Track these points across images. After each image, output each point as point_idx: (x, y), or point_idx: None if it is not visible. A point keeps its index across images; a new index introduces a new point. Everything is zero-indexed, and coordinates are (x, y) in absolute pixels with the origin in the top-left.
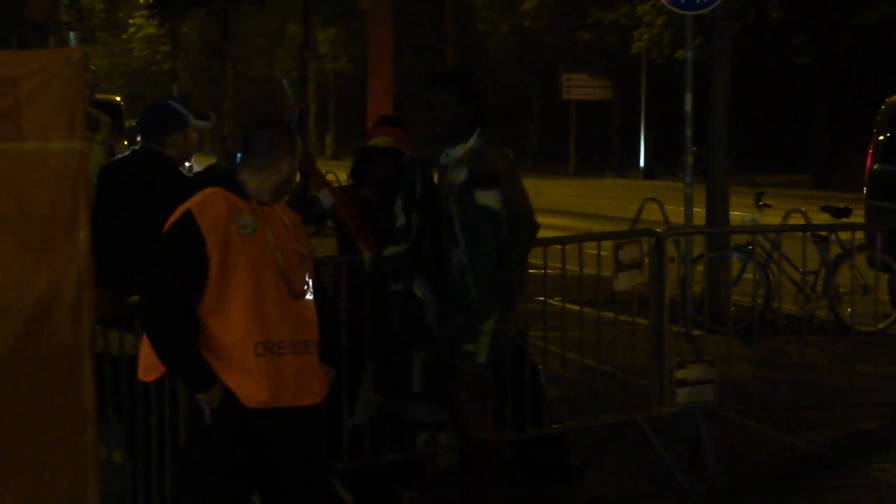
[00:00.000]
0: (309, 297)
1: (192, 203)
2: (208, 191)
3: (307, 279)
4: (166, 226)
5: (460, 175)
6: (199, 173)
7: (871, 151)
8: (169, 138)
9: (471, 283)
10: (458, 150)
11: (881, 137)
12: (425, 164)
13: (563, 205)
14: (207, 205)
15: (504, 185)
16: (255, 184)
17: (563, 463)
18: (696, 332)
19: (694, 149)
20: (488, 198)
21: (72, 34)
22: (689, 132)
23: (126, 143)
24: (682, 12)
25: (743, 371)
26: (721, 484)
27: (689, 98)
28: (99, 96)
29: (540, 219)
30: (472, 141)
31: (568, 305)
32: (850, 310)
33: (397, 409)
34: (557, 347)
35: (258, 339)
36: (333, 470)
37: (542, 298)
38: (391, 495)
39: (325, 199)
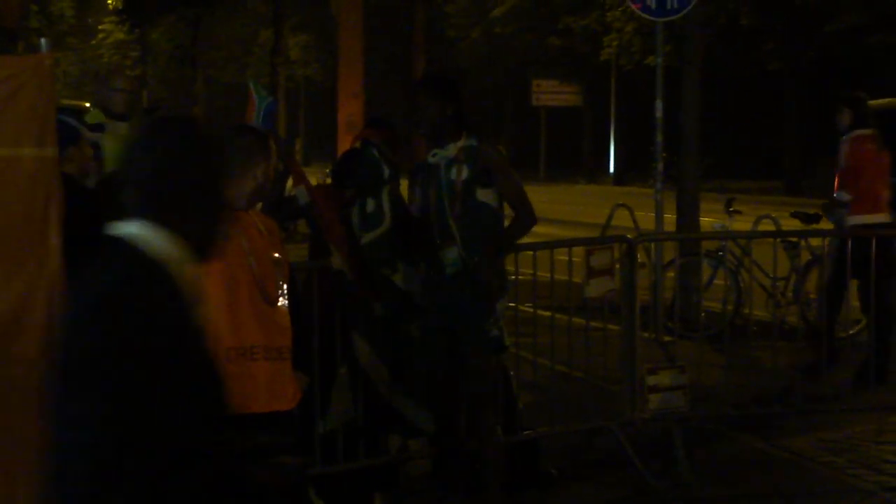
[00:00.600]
0: (283, 303)
1: None
2: None
3: (281, 285)
4: None
5: (461, 173)
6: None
7: None
8: (65, 153)
9: (465, 279)
10: (451, 150)
11: None
12: (385, 151)
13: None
14: None
15: (499, 182)
16: (229, 190)
17: (536, 470)
18: (667, 339)
19: (664, 155)
20: (487, 195)
21: (43, 40)
22: (659, 138)
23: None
24: (653, 18)
25: (714, 377)
26: (694, 489)
27: (659, 104)
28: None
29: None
30: (466, 140)
31: (539, 311)
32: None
33: (397, 412)
34: (529, 353)
35: (230, 344)
36: (307, 476)
37: (514, 304)
38: (364, 501)
39: (302, 195)
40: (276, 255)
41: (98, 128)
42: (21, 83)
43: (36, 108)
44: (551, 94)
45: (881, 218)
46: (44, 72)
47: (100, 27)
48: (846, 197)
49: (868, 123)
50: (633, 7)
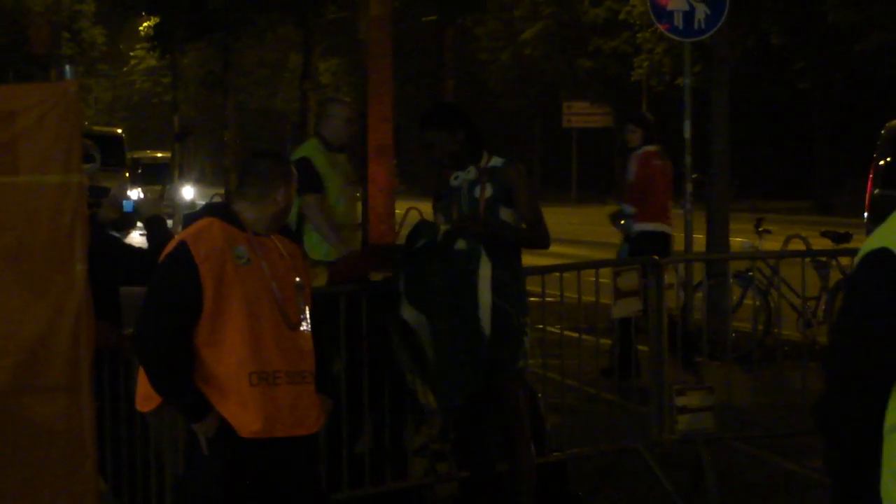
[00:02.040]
0: (305, 327)
1: (186, 233)
2: (203, 221)
3: (304, 309)
4: (161, 256)
5: (485, 191)
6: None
7: (871, 176)
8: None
9: (497, 301)
10: (471, 172)
11: (881, 162)
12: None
13: (565, 233)
14: (202, 235)
15: (518, 202)
16: (250, 214)
17: (564, 491)
18: (696, 359)
19: (694, 175)
20: (509, 214)
21: (68, 67)
22: (688, 159)
23: (127, 175)
24: (681, 39)
25: (744, 398)
26: None
27: (687, 124)
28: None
29: None
30: (489, 160)
31: (567, 332)
32: None
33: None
34: (557, 375)
35: (253, 368)
36: (333, 500)
37: (541, 326)
38: None
39: None
40: (298, 279)
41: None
42: (47, 110)
43: (61, 135)
44: (582, 115)
45: (665, 227)
46: (69, 98)
47: (131, 53)
48: (631, 210)
49: (655, 140)
50: (661, 28)
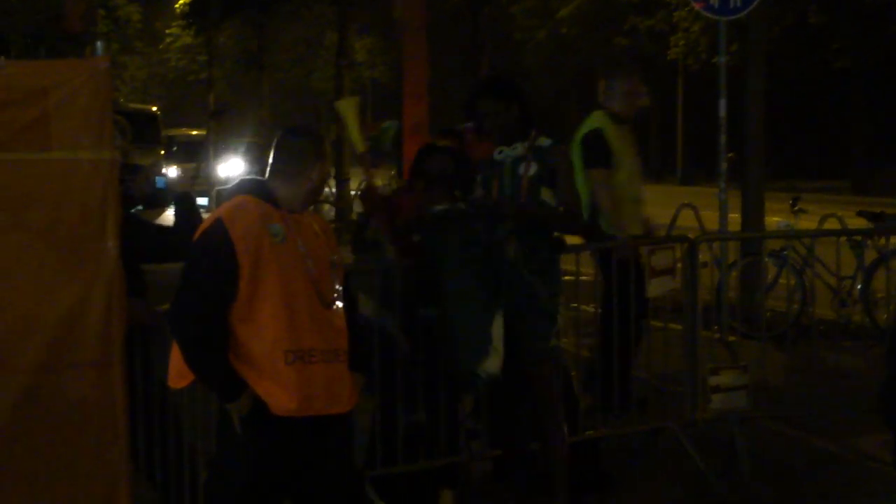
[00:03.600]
0: (339, 305)
1: (222, 211)
2: (239, 198)
3: (337, 287)
4: (197, 234)
5: (529, 169)
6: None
7: None
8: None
9: (527, 276)
10: (518, 149)
11: None
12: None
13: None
14: (238, 213)
15: (559, 184)
16: (285, 192)
17: (597, 471)
18: (730, 338)
19: (730, 154)
20: (549, 195)
21: (99, 43)
22: (723, 138)
23: (162, 152)
24: (716, 17)
25: (778, 377)
26: (756, 490)
27: (722, 103)
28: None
29: None
30: (537, 139)
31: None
32: (885, 315)
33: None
34: (591, 354)
35: (288, 347)
36: (367, 477)
37: (576, 305)
38: (425, 502)
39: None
40: (333, 256)
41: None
42: (78, 86)
43: (93, 111)
44: None
45: None
46: (101, 74)
47: (167, 31)
48: None
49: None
50: (696, 6)
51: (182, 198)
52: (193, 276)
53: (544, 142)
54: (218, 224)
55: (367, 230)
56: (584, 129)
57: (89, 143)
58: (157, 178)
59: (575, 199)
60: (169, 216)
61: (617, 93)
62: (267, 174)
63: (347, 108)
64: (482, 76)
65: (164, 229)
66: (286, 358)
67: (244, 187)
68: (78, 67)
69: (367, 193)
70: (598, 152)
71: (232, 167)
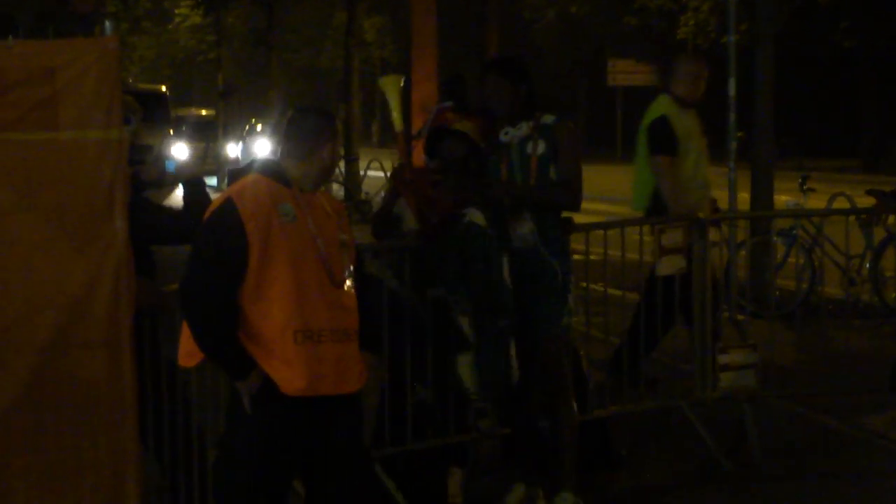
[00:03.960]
0: (349, 284)
1: (232, 190)
2: (250, 177)
3: (348, 267)
4: (207, 213)
5: (537, 148)
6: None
7: None
8: None
9: (542, 252)
10: (524, 128)
11: None
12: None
13: (610, 191)
14: (248, 192)
15: (562, 158)
16: (296, 171)
17: (607, 449)
18: (739, 317)
19: (740, 134)
20: (555, 173)
21: (107, 23)
22: (732, 117)
23: (171, 132)
24: None
25: (787, 356)
26: (765, 469)
27: (732, 83)
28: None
29: (587, 204)
30: (542, 118)
31: (610, 290)
32: (895, 294)
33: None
34: (600, 333)
35: (297, 326)
36: (375, 456)
37: (585, 284)
38: (434, 481)
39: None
40: (344, 236)
41: None
42: (87, 66)
43: (101, 91)
44: (627, 73)
45: None
46: (109, 54)
47: (176, 11)
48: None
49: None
50: None
51: (191, 181)
52: (203, 254)
53: (549, 119)
54: (228, 203)
55: (394, 206)
56: (651, 115)
57: (98, 123)
58: (168, 161)
59: (573, 175)
60: (177, 198)
61: (682, 76)
62: (278, 154)
63: (391, 84)
64: (491, 56)
65: (173, 211)
66: (295, 337)
67: (255, 166)
68: (86, 47)
69: (398, 171)
70: (662, 140)
71: (261, 147)
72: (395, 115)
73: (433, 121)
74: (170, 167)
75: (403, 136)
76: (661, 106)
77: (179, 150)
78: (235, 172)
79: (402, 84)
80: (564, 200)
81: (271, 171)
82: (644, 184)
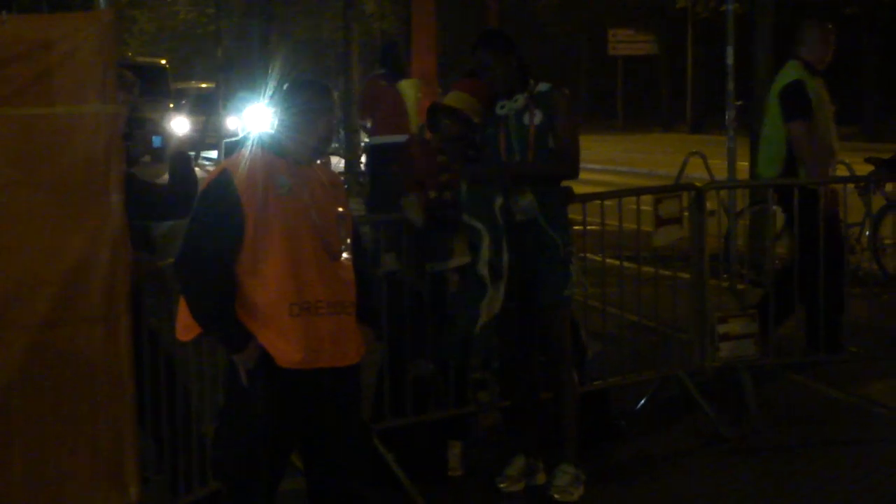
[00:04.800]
0: (346, 257)
1: (228, 162)
2: (245, 150)
3: (345, 240)
4: (203, 185)
5: (534, 118)
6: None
7: None
8: None
9: (543, 224)
10: (519, 100)
11: None
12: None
13: (610, 161)
14: (244, 163)
15: (559, 126)
16: (292, 144)
17: (607, 420)
18: (739, 286)
19: (739, 102)
20: (553, 141)
21: None
22: (730, 86)
23: (172, 105)
24: None
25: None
26: (766, 438)
27: (730, 51)
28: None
29: (587, 175)
30: (537, 87)
31: (608, 260)
32: (894, 262)
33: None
34: (598, 303)
35: (294, 299)
36: (375, 430)
37: (583, 254)
38: (434, 454)
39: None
40: (340, 209)
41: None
42: (82, 39)
43: (96, 65)
44: (628, 43)
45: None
46: (104, 28)
47: None
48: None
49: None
50: None
51: (178, 157)
52: (199, 225)
53: (543, 87)
54: (224, 174)
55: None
56: (782, 80)
57: (93, 97)
58: (154, 137)
59: (570, 142)
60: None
61: (811, 42)
62: (274, 126)
63: (409, 88)
64: (483, 29)
65: (158, 187)
66: (291, 310)
67: (251, 139)
68: (82, 21)
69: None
70: (798, 104)
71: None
72: (412, 117)
73: (365, 88)
74: (157, 143)
75: (416, 138)
76: (793, 70)
77: (180, 124)
78: (231, 145)
79: (418, 88)
80: (563, 170)
81: (267, 143)
82: (774, 149)
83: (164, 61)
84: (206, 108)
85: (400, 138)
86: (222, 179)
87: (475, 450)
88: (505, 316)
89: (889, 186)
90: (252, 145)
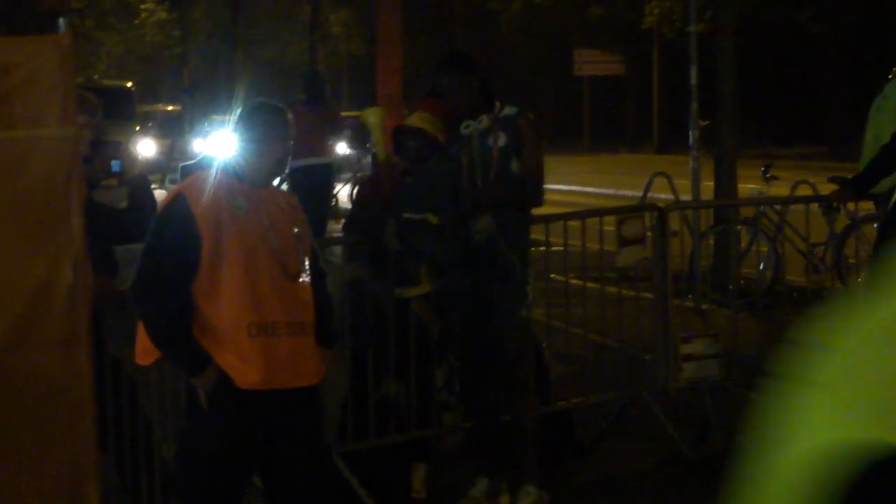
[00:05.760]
0: (305, 278)
1: (184, 184)
2: (202, 172)
3: (303, 261)
4: (159, 207)
5: (498, 140)
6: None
7: None
8: None
9: (502, 247)
10: (484, 121)
11: None
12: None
13: (576, 181)
14: (200, 186)
15: (524, 153)
16: (248, 166)
17: (570, 441)
18: (704, 306)
19: (704, 122)
20: (518, 166)
21: (61, 20)
22: (694, 106)
23: (138, 128)
24: None
25: (751, 345)
26: (728, 459)
27: (694, 71)
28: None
29: (552, 196)
30: (502, 110)
31: (572, 280)
32: (858, 280)
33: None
34: (562, 323)
35: (252, 320)
36: (338, 452)
37: (547, 275)
38: (398, 476)
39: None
40: (297, 230)
41: None
42: (41, 63)
43: (56, 88)
44: (593, 63)
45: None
46: (63, 51)
47: (142, 6)
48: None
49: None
50: None
51: (136, 181)
52: (155, 249)
53: (509, 111)
54: (179, 197)
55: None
56: None
57: (53, 121)
58: (113, 162)
59: (536, 170)
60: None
61: None
62: (231, 149)
63: (374, 117)
64: (445, 51)
65: (116, 211)
66: (249, 331)
67: (207, 161)
68: (41, 44)
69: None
70: None
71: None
72: (379, 146)
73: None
74: (116, 168)
75: (386, 165)
76: None
77: (146, 147)
78: (188, 168)
79: (383, 116)
80: (528, 198)
81: (223, 165)
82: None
83: (130, 84)
84: (173, 131)
85: (312, 161)
86: (177, 203)
87: (438, 472)
88: (464, 337)
89: (852, 206)
90: (208, 168)
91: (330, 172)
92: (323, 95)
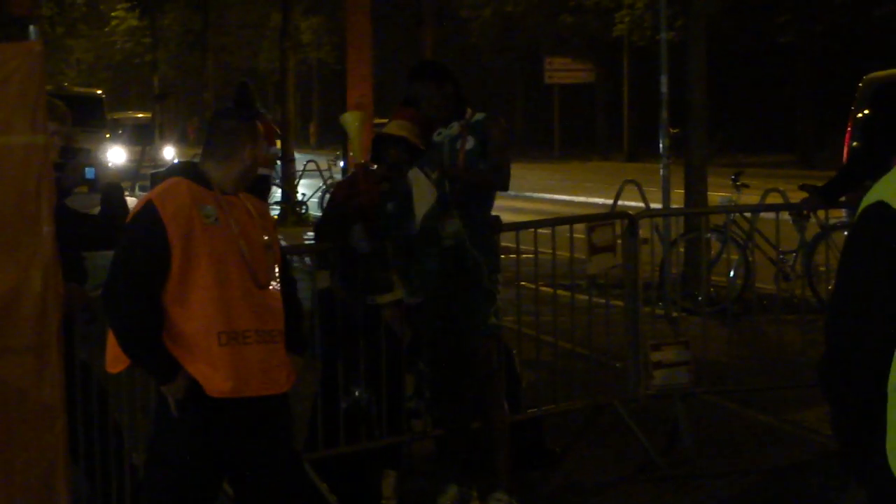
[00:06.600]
0: (275, 286)
1: (154, 193)
2: (171, 180)
3: (273, 268)
4: (129, 216)
5: (465, 144)
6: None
7: (849, 129)
8: None
9: (470, 250)
10: (454, 128)
11: (860, 115)
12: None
13: (546, 189)
14: (169, 194)
15: (491, 149)
16: (217, 173)
17: (541, 448)
18: (674, 314)
19: (675, 130)
20: (484, 166)
21: (31, 28)
22: (664, 114)
23: (108, 135)
24: None
25: (721, 352)
26: (699, 466)
27: (664, 80)
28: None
29: (522, 203)
30: (472, 115)
31: (542, 288)
32: (829, 288)
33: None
34: (532, 331)
35: (221, 328)
36: (308, 460)
37: (517, 283)
38: (368, 483)
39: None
40: (266, 237)
41: None
42: (11, 71)
43: (26, 95)
44: (564, 71)
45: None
46: (33, 58)
47: (112, 14)
48: None
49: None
50: None
51: (109, 188)
52: (125, 257)
53: (479, 116)
54: (149, 205)
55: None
56: None
57: (23, 128)
58: (87, 169)
59: (503, 160)
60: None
61: None
62: (200, 156)
63: (352, 120)
64: (418, 60)
65: (90, 218)
66: (219, 339)
67: (177, 169)
68: (11, 52)
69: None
70: None
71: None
72: (356, 149)
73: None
74: (89, 175)
75: (362, 167)
76: None
77: (116, 154)
78: (157, 176)
79: (361, 119)
80: (493, 180)
81: (192, 173)
82: None
83: (100, 91)
84: (143, 138)
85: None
86: (147, 210)
87: (408, 479)
88: (434, 344)
89: (822, 214)
90: (178, 175)
91: (265, 183)
92: (253, 107)
